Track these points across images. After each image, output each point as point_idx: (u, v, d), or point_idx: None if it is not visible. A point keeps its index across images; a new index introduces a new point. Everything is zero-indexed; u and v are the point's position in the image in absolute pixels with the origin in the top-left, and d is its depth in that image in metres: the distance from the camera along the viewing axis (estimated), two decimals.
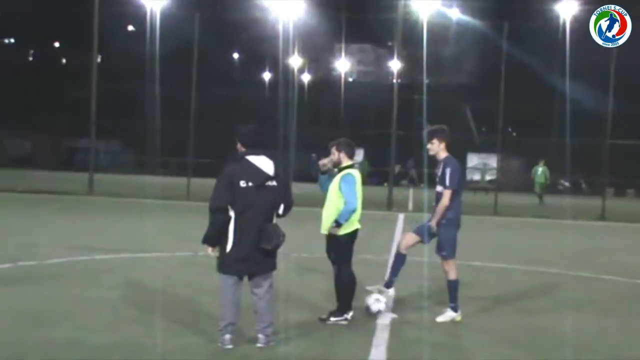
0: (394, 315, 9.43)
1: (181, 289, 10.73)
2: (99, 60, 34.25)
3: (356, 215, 8.99)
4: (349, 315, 9.02)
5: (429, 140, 9.46)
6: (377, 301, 9.37)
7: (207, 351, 7.53)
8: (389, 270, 9.84)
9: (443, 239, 9.38)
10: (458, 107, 60.52)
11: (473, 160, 58.64)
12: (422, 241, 9.60)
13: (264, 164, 7.68)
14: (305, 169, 48.43)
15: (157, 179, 39.82)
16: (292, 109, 34.17)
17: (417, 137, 24.88)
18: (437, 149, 9.45)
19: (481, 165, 47.98)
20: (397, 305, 9.78)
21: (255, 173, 7.63)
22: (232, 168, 7.70)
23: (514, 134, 58.08)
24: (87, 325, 8.34)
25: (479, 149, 56.70)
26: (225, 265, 7.66)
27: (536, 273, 14.08)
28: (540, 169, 36.60)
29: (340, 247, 8.98)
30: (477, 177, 54.09)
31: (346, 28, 58.23)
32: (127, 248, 14.83)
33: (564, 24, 31.88)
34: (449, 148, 9.49)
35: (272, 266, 7.83)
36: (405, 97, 36.28)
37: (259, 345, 7.70)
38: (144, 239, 16.68)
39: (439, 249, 9.46)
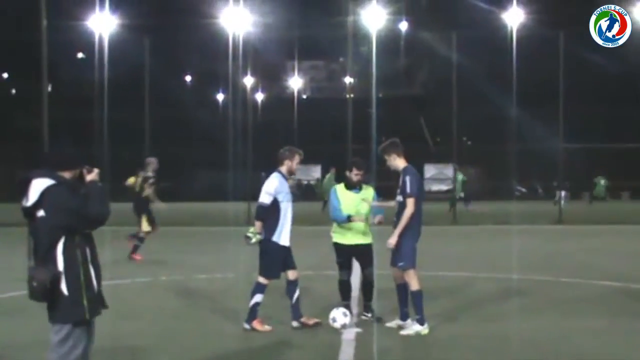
0: (359, 330, 9.42)
1: None
2: (49, 89, 33.88)
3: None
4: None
5: (385, 156, 9.55)
6: (343, 315, 9.34)
7: None
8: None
9: (402, 248, 9.27)
10: (412, 118, 60.96)
11: (430, 170, 59.08)
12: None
13: (32, 188, 5.86)
14: (259, 187, 48.12)
15: (114, 206, 39.16)
16: (247, 129, 34.11)
17: (374, 150, 24.94)
18: (394, 162, 9.51)
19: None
20: (362, 319, 9.76)
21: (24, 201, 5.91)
22: None
23: (469, 142, 58.54)
24: None
25: (436, 159, 57.14)
26: None
27: (498, 280, 14.18)
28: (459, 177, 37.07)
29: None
30: (435, 187, 54.45)
31: (298, 46, 58.51)
32: None
33: (511, 31, 32.33)
34: (406, 157, 9.53)
35: (59, 316, 5.82)
36: (360, 112, 36.34)
37: None
38: None
39: (397, 259, 9.33)
